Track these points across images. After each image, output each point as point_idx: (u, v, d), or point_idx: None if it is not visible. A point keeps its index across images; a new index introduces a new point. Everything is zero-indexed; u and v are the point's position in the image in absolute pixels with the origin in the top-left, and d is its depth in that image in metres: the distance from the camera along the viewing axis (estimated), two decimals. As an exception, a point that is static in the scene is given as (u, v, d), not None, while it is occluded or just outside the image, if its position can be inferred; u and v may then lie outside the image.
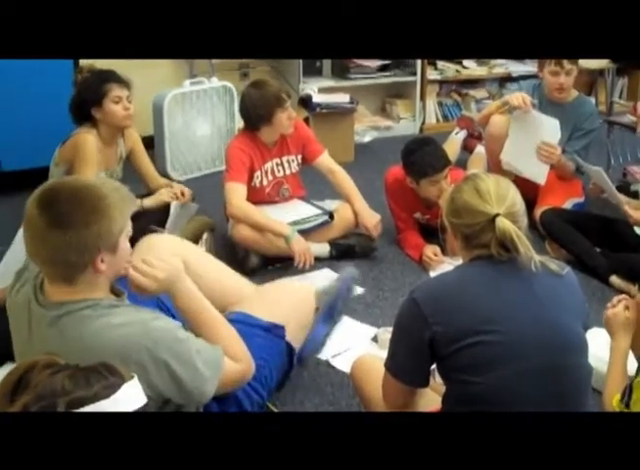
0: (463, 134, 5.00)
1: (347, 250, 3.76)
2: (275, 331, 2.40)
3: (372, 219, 3.71)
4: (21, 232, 1.84)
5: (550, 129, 3.79)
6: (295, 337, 2.51)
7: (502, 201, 1.86)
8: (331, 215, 3.74)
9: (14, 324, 1.94)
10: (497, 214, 1.83)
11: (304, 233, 3.59)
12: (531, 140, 3.81)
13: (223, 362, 1.95)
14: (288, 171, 3.80)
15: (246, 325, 2.32)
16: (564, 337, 1.86)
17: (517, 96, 3.83)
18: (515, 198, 1.89)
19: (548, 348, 1.83)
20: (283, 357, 2.45)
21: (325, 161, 3.83)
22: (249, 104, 3.63)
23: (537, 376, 1.82)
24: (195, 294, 2.01)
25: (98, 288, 1.83)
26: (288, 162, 3.79)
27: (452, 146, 4.80)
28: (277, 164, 3.76)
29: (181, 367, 1.83)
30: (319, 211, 3.76)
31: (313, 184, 4.12)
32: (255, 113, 3.59)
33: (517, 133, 3.87)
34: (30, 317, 1.85)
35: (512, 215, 1.85)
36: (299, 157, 3.82)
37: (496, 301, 1.84)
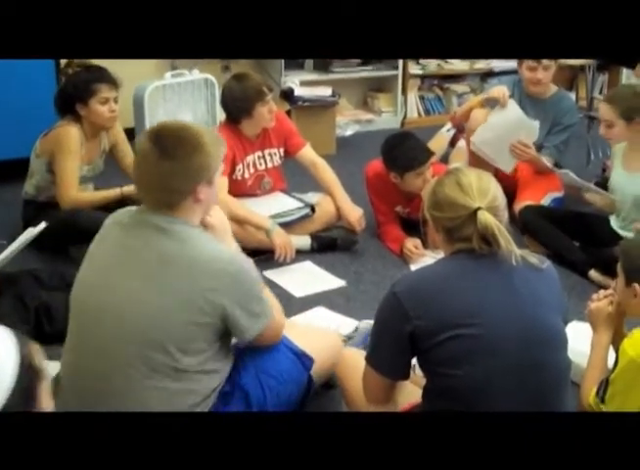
0: (453, 132, 4.99)
1: (329, 243, 3.76)
2: (304, 360, 2.31)
3: (355, 213, 3.72)
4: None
5: (529, 131, 3.91)
6: (317, 376, 2.39)
7: (484, 195, 1.86)
8: (312, 208, 3.74)
9: (101, 240, 2.13)
10: (479, 208, 1.84)
11: (286, 226, 3.59)
12: (509, 135, 3.89)
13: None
14: (270, 164, 3.80)
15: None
16: (543, 331, 1.87)
17: (498, 89, 3.95)
18: (496, 192, 1.90)
19: (528, 341, 1.84)
20: (300, 389, 2.32)
21: (307, 153, 3.83)
22: (229, 97, 3.62)
23: (517, 370, 1.83)
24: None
25: (194, 219, 2.07)
26: (270, 154, 3.78)
27: (439, 141, 4.80)
28: (259, 157, 3.75)
29: (253, 290, 2.08)
30: (301, 204, 3.76)
31: (295, 177, 4.12)
32: (236, 106, 3.59)
33: (496, 123, 3.92)
34: (130, 229, 2.07)
35: (493, 209, 1.86)
36: (282, 150, 3.81)
37: (477, 294, 1.85)
